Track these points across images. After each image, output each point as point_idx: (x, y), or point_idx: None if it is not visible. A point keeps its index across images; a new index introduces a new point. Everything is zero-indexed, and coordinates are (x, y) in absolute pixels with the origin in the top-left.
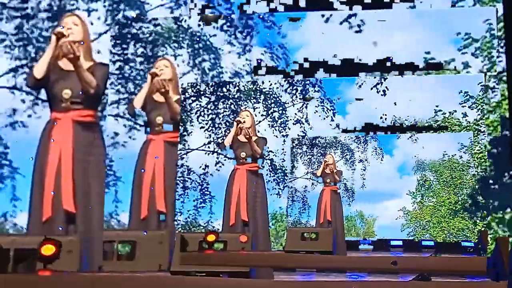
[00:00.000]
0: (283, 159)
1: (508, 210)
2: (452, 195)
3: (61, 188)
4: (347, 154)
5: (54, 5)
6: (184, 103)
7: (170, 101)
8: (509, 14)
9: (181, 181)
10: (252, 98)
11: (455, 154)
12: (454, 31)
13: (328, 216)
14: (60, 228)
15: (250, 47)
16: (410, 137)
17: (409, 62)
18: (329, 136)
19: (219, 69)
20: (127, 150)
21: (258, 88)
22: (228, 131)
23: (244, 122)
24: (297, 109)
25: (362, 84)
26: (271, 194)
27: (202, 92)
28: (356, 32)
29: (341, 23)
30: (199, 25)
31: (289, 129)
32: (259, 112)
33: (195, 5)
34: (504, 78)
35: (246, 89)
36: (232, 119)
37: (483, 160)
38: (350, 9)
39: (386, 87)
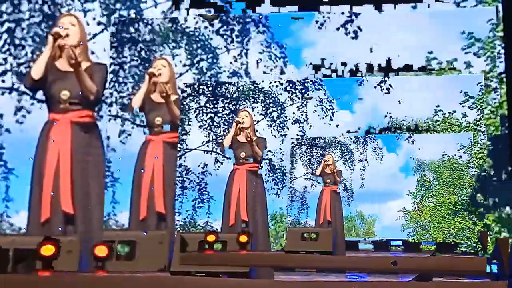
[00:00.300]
0: (281, 159)
1: (508, 210)
2: (452, 195)
3: (60, 189)
4: (346, 154)
5: (49, 4)
6: (183, 103)
7: (171, 105)
8: (509, 14)
9: (180, 181)
10: (250, 97)
11: (455, 155)
12: (457, 31)
13: (328, 216)
14: (60, 229)
15: (247, 48)
16: (409, 137)
17: (412, 62)
18: (329, 136)
19: (217, 69)
20: (124, 151)
21: (256, 88)
22: (227, 131)
23: (243, 122)
24: (296, 107)
25: (361, 83)
26: (269, 194)
27: (200, 92)
28: (358, 32)
29: (343, 24)
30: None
31: (288, 129)
32: (258, 112)
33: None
34: (505, 78)
35: (244, 88)
36: (231, 118)
37: (482, 160)
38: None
39: (387, 87)
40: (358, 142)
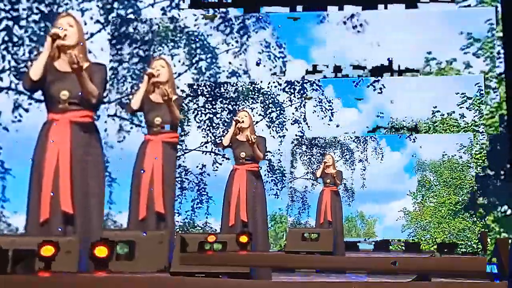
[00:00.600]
0: (282, 159)
1: (508, 210)
2: (452, 196)
3: (59, 189)
4: (346, 154)
5: (47, 4)
6: (182, 103)
7: (173, 108)
8: (508, 14)
9: (179, 182)
10: (249, 98)
11: (455, 155)
12: (456, 31)
13: (328, 217)
14: (60, 229)
15: (247, 46)
16: (410, 135)
17: (410, 62)
18: (329, 136)
19: (216, 69)
20: (121, 151)
21: (255, 88)
22: (226, 132)
23: (242, 122)
24: (295, 108)
25: (358, 84)
26: (269, 195)
27: (199, 92)
28: (358, 32)
29: (344, 23)
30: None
31: (287, 129)
32: (257, 112)
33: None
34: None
35: (243, 89)
36: (230, 119)
37: (482, 160)
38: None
39: (387, 87)
40: (358, 142)
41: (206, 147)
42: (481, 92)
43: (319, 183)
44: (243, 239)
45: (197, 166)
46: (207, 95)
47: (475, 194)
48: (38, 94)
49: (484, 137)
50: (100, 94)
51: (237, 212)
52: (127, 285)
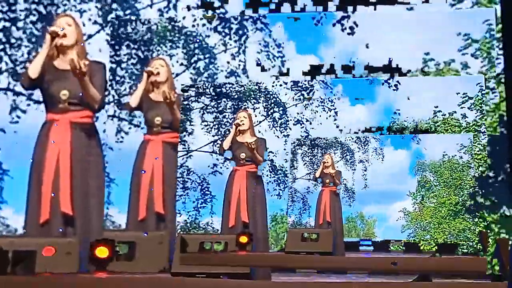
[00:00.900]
0: (285, 159)
1: (508, 210)
2: (452, 196)
3: (59, 190)
4: (347, 155)
5: (45, 5)
6: (184, 103)
7: (174, 112)
8: (507, 15)
9: (181, 182)
10: (252, 98)
11: (455, 155)
12: (454, 32)
13: (327, 217)
14: (61, 230)
15: (245, 47)
16: (413, 137)
17: (408, 63)
18: (331, 137)
19: (214, 69)
20: (120, 152)
21: (258, 88)
22: (228, 132)
23: (242, 124)
24: (299, 108)
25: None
26: (271, 196)
27: (202, 92)
28: (354, 33)
29: (342, 24)
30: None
31: (290, 129)
32: (260, 113)
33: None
34: (503, 79)
35: (246, 89)
36: (233, 119)
37: (483, 161)
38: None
39: (388, 88)
40: (359, 142)
41: (209, 147)
42: (482, 92)
43: (319, 183)
44: (243, 239)
45: (200, 166)
46: (210, 95)
47: (476, 194)
48: (37, 95)
49: (485, 137)
50: (102, 99)
51: (238, 213)
52: (127, 285)
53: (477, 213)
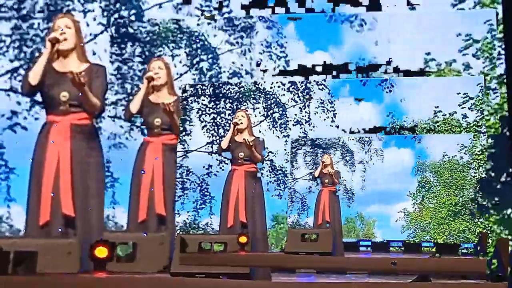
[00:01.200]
0: (286, 159)
1: (509, 211)
2: (452, 196)
3: (60, 191)
4: (347, 155)
5: (51, 5)
6: (184, 103)
7: (175, 121)
8: (509, 15)
9: (180, 182)
10: (252, 98)
11: (456, 155)
12: (455, 32)
13: (326, 217)
14: (60, 230)
15: (250, 46)
16: (413, 138)
17: (410, 63)
18: (331, 137)
19: (217, 69)
20: (125, 152)
21: (258, 89)
22: (227, 132)
23: (241, 123)
24: (299, 108)
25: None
26: (272, 196)
27: (201, 92)
28: (357, 32)
29: (342, 22)
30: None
31: (290, 129)
32: (260, 113)
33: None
34: (505, 79)
35: (246, 89)
36: (231, 119)
37: (483, 161)
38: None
39: (387, 87)
40: (359, 143)
41: (208, 147)
42: (483, 92)
43: (318, 183)
44: (243, 239)
45: (199, 167)
46: (210, 95)
47: (476, 195)
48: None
49: (485, 138)
50: (102, 106)
51: (236, 213)
52: (127, 285)
53: (477, 214)
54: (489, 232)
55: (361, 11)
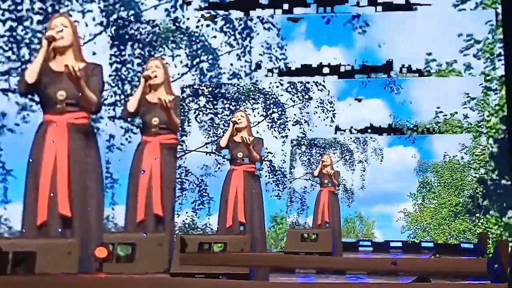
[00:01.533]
0: (284, 160)
1: (509, 212)
2: (453, 197)
3: (57, 192)
4: (346, 155)
5: (48, 6)
6: (182, 103)
7: (173, 118)
8: (508, 16)
9: (179, 183)
10: (251, 98)
11: (456, 155)
12: (456, 33)
13: (326, 217)
14: (60, 230)
15: (250, 48)
16: (408, 137)
17: (411, 63)
18: (330, 137)
19: (217, 69)
20: (124, 152)
21: (257, 88)
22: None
23: (240, 122)
24: (298, 108)
25: (362, 84)
26: (270, 196)
27: (200, 92)
28: (359, 33)
29: (344, 24)
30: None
31: (289, 129)
32: (258, 113)
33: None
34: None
35: (245, 89)
36: (230, 119)
37: (484, 162)
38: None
39: (388, 88)
40: (358, 143)
41: (207, 147)
42: (484, 93)
43: (317, 183)
44: (242, 240)
45: (198, 167)
46: (208, 96)
47: (476, 195)
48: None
49: (486, 139)
50: (98, 102)
51: (235, 213)
52: (126, 286)
53: (477, 214)
54: (489, 232)
55: (362, 11)
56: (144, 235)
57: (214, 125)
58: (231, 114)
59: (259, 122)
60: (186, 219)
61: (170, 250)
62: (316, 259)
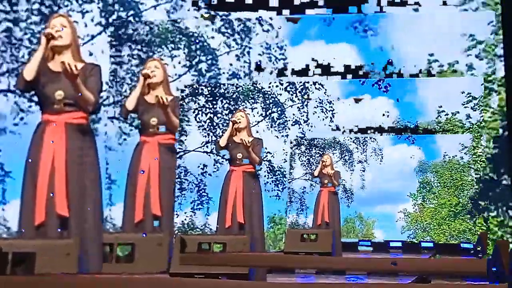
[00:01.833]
0: (284, 159)
1: (509, 212)
2: (453, 197)
3: (55, 192)
4: (346, 155)
5: (47, 6)
6: (181, 103)
7: (170, 117)
8: (508, 17)
9: (178, 183)
10: (250, 98)
11: (456, 155)
12: (458, 33)
13: (325, 218)
14: (59, 230)
15: (249, 48)
16: (408, 137)
17: (412, 64)
18: (329, 137)
19: (216, 70)
20: (123, 153)
21: (256, 88)
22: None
23: (239, 122)
24: (297, 108)
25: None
26: (270, 196)
27: (199, 92)
28: (360, 34)
29: (346, 27)
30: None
31: (289, 129)
32: (258, 113)
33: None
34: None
35: (244, 89)
36: (229, 119)
37: (484, 162)
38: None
39: (389, 88)
40: (358, 143)
41: (206, 147)
42: (485, 93)
43: (317, 183)
44: (242, 240)
45: (197, 167)
46: (208, 95)
47: (476, 195)
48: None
49: (486, 139)
50: (96, 101)
51: (234, 213)
52: (126, 286)
53: (477, 214)
54: (489, 232)
55: (364, 11)
56: (144, 235)
57: (213, 125)
58: (230, 114)
59: (258, 122)
60: (185, 219)
61: (170, 250)
62: (316, 259)
